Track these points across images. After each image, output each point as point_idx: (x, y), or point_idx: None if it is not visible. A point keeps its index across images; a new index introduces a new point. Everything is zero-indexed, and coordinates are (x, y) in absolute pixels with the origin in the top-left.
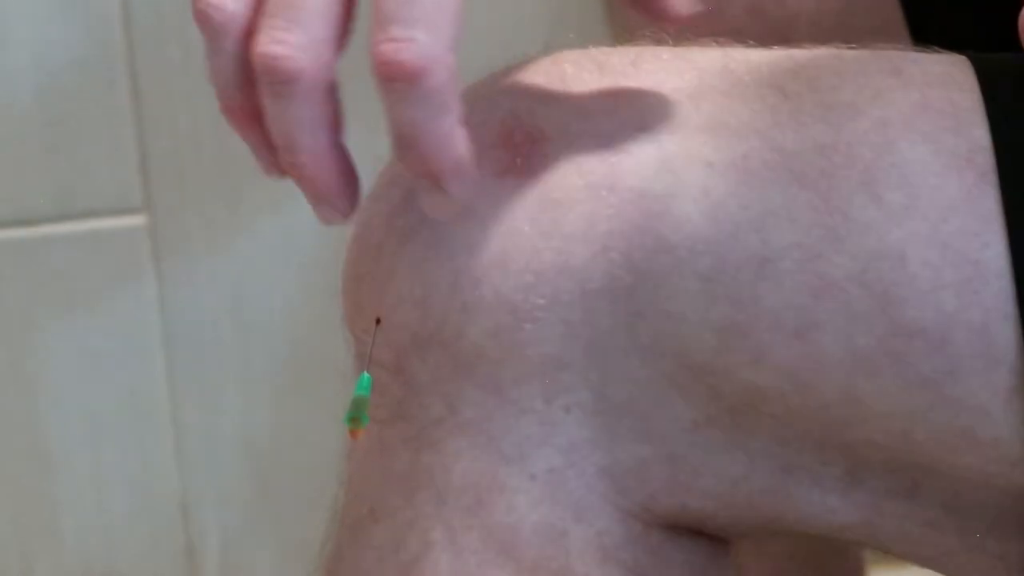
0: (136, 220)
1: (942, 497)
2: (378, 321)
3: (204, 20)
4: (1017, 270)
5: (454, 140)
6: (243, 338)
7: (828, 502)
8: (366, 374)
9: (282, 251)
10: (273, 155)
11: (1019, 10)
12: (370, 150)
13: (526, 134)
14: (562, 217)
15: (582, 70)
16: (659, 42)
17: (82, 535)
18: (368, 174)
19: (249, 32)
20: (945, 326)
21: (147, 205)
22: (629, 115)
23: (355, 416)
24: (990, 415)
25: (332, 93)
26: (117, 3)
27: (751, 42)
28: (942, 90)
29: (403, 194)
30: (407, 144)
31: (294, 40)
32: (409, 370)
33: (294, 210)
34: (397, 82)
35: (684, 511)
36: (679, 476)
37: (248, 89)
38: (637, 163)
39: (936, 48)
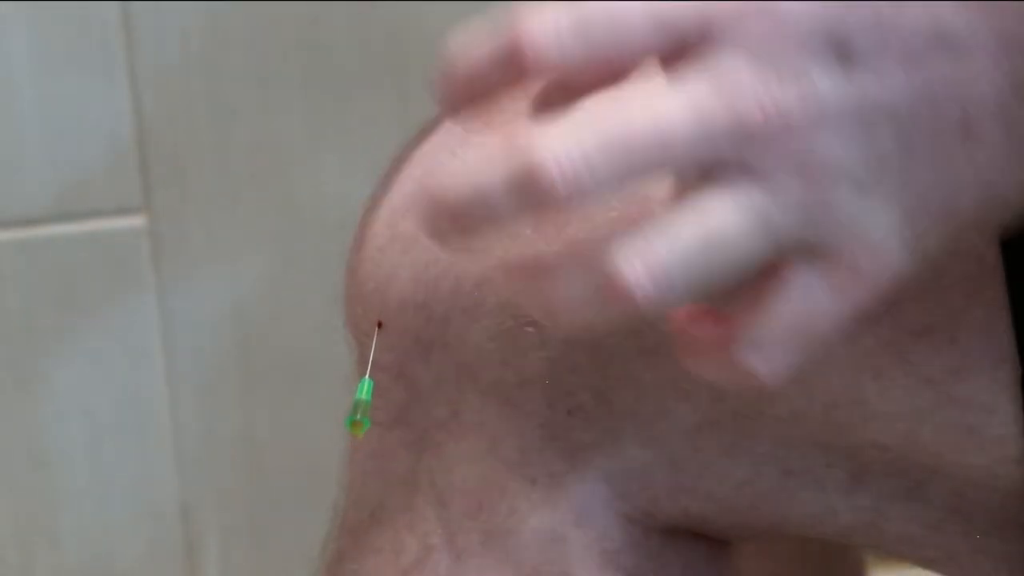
0: (136, 220)
1: (946, 499)
2: (380, 324)
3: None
4: (1008, 266)
5: None
6: (243, 339)
7: (831, 505)
8: (367, 378)
9: (282, 252)
10: None
11: None
12: (371, 152)
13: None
14: (564, 220)
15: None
16: None
17: (82, 535)
18: (369, 176)
19: None
20: (951, 324)
21: (147, 205)
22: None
23: (356, 419)
24: (996, 413)
25: None
26: (117, 3)
27: None
28: None
29: (405, 197)
30: None
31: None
32: (411, 374)
33: (294, 211)
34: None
35: (686, 515)
36: (681, 480)
37: None
38: None
39: None
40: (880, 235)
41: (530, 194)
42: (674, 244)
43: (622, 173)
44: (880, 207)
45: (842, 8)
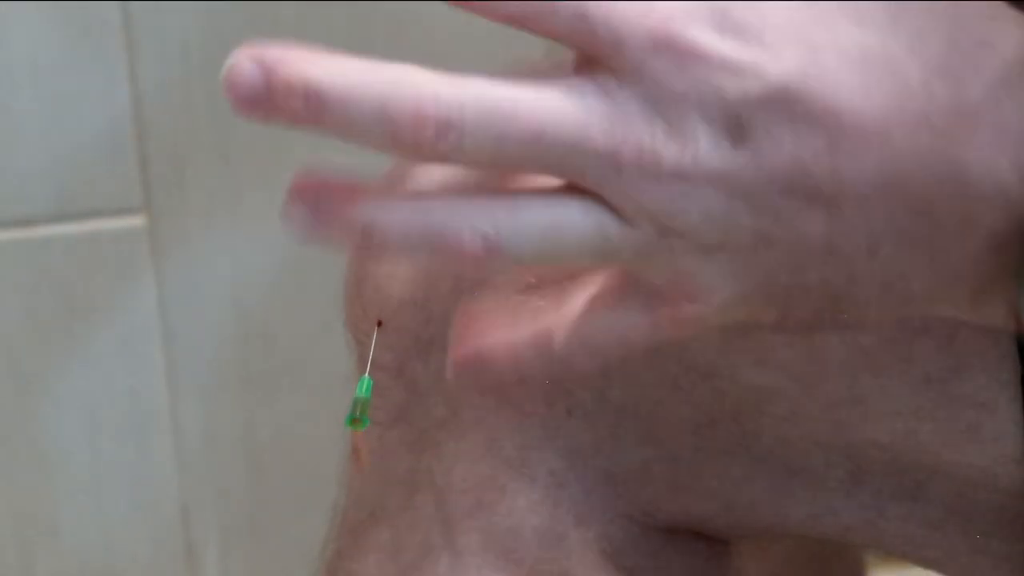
0: (136, 220)
1: (946, 498)
2: (380, 324)
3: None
4: None
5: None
6: (243, 338)
7: (831, 504)
8: (367, 376)
9: (282, 252)
10: None
11: None
12: (371, 152)
13: None
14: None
15: None
16: None
17: (82, 535)
18: (368, 176)
19: None
20: (951, 323)
21: (147, 205)
22: None
23: (356, 418)
24: (996, 412)
25: None
26: (117, 3)
27: None
28: None
29: None
30: None
31: None
32: (411, 373)
33: None
34: None
35: (686, 514)
36: (681, 479)
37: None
38: None
39: None
40: (710, 294)
41: (402, 131)
42: (515, 219)
43: (493, 143)
44: (718, 275)
45: (759, 93)
